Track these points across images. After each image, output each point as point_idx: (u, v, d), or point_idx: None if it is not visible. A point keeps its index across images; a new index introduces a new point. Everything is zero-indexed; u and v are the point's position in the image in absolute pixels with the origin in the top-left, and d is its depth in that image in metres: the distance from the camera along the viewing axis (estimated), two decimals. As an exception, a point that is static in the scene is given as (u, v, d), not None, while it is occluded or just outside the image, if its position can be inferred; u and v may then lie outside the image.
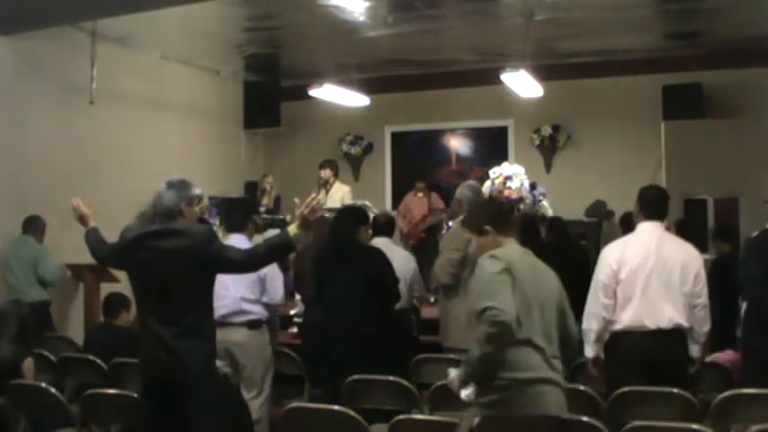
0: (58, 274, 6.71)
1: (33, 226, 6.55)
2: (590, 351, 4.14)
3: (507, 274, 3.06)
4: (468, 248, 3.36)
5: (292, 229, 3.51)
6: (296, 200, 3.57)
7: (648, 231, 4.13)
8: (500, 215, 3.41)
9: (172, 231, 3.52)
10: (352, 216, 5.00)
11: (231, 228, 5.02)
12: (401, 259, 5.27)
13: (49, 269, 6.53)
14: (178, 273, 3.44)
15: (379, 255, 4.85)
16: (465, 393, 3.08)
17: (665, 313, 3.98)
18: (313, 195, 3.54)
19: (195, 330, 3.49)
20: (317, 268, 4.91)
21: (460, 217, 5.09)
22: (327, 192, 8.38)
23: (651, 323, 3.97)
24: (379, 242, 5.28)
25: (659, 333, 3.97)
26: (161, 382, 3.49)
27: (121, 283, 4.56)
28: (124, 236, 3.65)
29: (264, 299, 4.84)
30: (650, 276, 4.00)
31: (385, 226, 5.57)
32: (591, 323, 4.09)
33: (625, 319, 4.00)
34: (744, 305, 4.56)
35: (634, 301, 3.99)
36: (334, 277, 4.73)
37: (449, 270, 4.89)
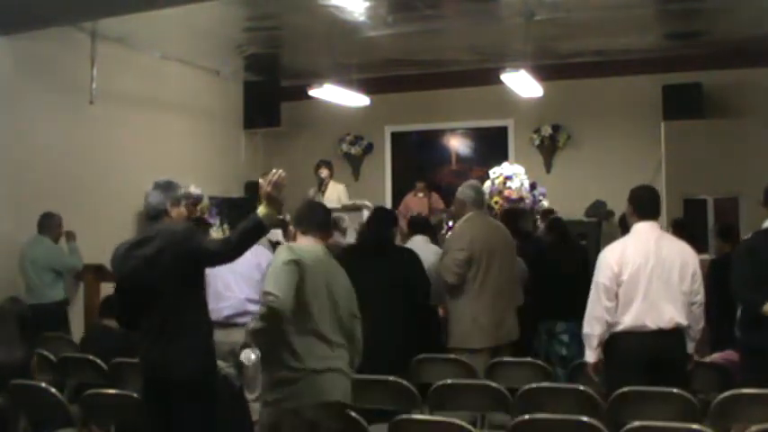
0: (77, 265, 6.68)
1: (47, 224, 6.52)
2: (592, 356, 4.09)
3: (294, 265, 3.29)
4: None
5: (261, 209, 3.51)
6: (260, 180, 3.58)
7: (645, 231, 4.12)
8: (300, 215, 3.70)
9: (152, 236, 3.56)
10: (387, 217, 5.19)
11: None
12: (436, 257, 5.35)
13: (65, 268, 6.54)
14: (165, 274, 3.47)
15: (412, 254, 4.98)
16: (244, 356, 3.52)
17: (666, 313, 3.98)
18: (274, 171, 3.52)
19: (188, 330, 3.51)
20: (348, 267, 4.98)
21: (464, 217, 5.10)
22: (323, 192, 8.41)
23: (652, 323, 3.96)
24: (418, 240, 5.62)
25: (660, 333, 3.97)
26: (158, 382, 3.51)
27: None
28: (115, 254, 3.69)
29: None
30: (651, 276, 3.99)
31: (422, 225, 5.92)
32: (594, 327, 4.05)
33: (626, 320, 3.99)
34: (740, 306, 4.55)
35: (636, 301, 3.98)
36: (365, 277, 4.78)
37: (454, 270, 4.87)
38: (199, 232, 3.75)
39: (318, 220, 3.65)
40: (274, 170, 3.52)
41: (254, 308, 4.73)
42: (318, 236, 3.59)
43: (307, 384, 3.27)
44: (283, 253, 3.37)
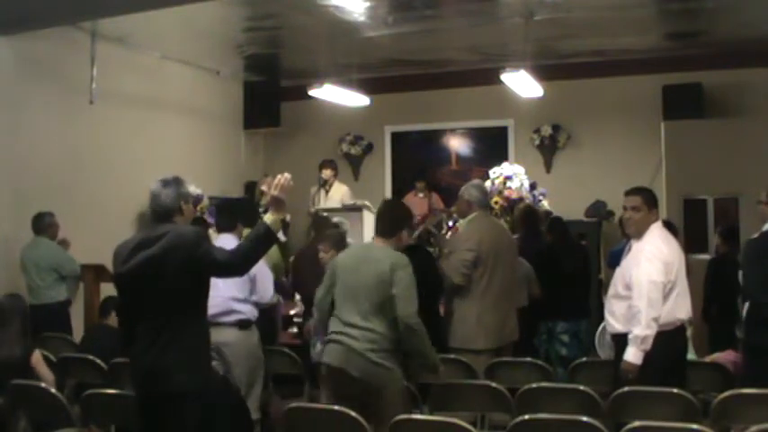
0: (76, 268, 6.64)
1: (40, 224, 6.48)
2: (641, 358, 3.99)
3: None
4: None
5: (268, 216, 3.39)
6: (263, 187, 3.55)
7: (663, 229, 4.23)
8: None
9: (159, 236, 3.37)
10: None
11: (221, 228, 5.03)
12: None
13: (65, 268, 6.52)
14: (167, 277, 3.31)
15: (427, 253, 5.08)
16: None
17: (689, 305, 4.11)
18: (279, 176, 3.40)
19: (183, 339, 3.36)
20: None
21: (469, 217, 5.09)
22: (327, 192, 8.41)
23: (680, 317, 4.07)
24: None
25: (677, 330, 4.06)
26: (148, 393, 3.42)
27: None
28: (117, 252, 3.51)
29: (254, 298, 4.87)
30: (682, 272, 4.14)
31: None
32: (653, 327, 3.98)
33: (661, 317, 4.02)
34: (745, 306, 4.55)
35: (671, 298, 4.04)
36: None
37: (462, 270, 4.84)
38: (208, 238, 3.60)
39: (378, 225, 4.24)
40: (279, 175, 3.41)
41: (239, 306, 4.76)
42: (378, 236, 4.21)
43: (326, 349, 4.10)
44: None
